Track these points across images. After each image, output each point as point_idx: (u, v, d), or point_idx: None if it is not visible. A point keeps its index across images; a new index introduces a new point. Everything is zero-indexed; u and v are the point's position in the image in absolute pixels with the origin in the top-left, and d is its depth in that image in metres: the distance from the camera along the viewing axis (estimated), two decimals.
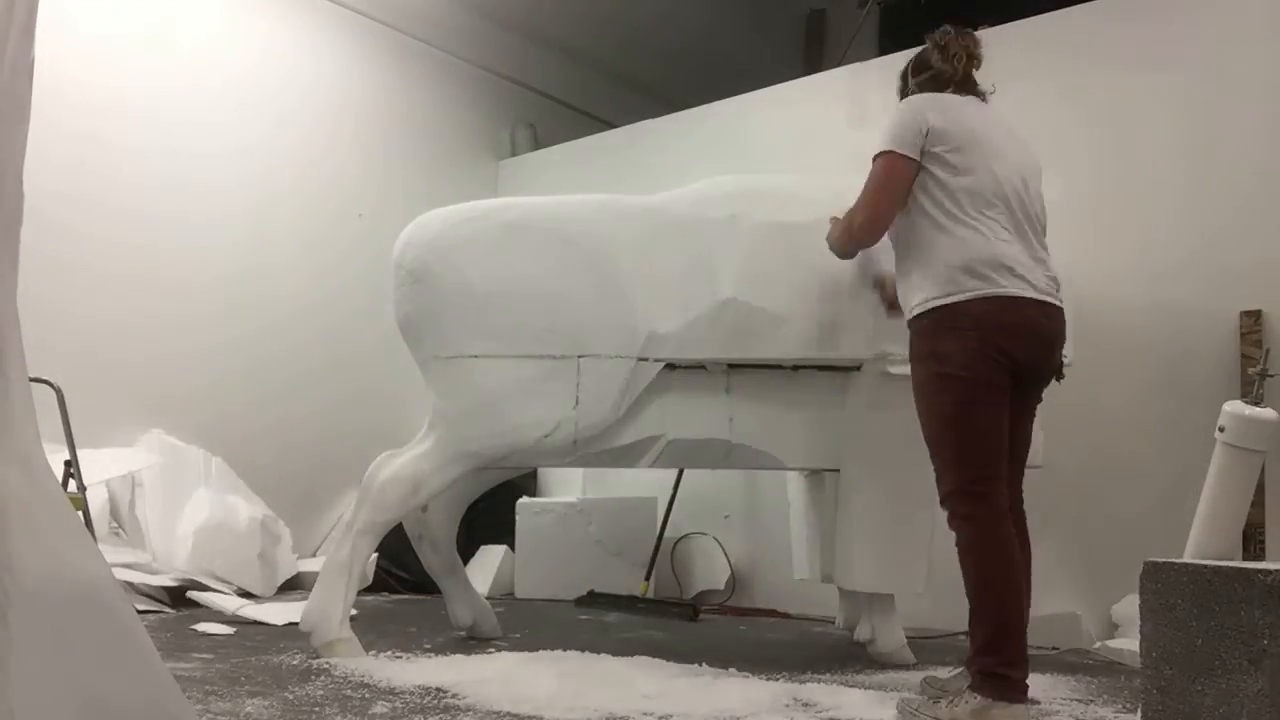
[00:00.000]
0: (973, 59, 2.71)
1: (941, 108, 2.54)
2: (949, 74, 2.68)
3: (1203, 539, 2.79)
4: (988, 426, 2.40)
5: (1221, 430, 2.83)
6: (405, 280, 3.18)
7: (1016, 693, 2.23)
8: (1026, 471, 3.54)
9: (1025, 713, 2.25)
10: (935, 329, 2.44)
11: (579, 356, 3.04)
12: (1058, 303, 2.49)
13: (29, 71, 1.20)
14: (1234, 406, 2.85)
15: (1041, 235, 2.57)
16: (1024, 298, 2.40)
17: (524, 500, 5.25)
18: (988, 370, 2.38)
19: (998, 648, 2.26)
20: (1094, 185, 3.97)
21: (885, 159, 2.52)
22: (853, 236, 2.65)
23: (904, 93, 2.77)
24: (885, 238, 2.65)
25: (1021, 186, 2.52)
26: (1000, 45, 4.57)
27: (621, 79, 7.05)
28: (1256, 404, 2.87)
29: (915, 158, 2.49)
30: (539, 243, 3.12)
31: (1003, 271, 2.40)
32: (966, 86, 2.67)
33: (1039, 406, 2.67)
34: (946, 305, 2.41)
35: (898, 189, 2.52)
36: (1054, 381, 2.60)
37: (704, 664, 2.96)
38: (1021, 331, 2.40)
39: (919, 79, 2.72)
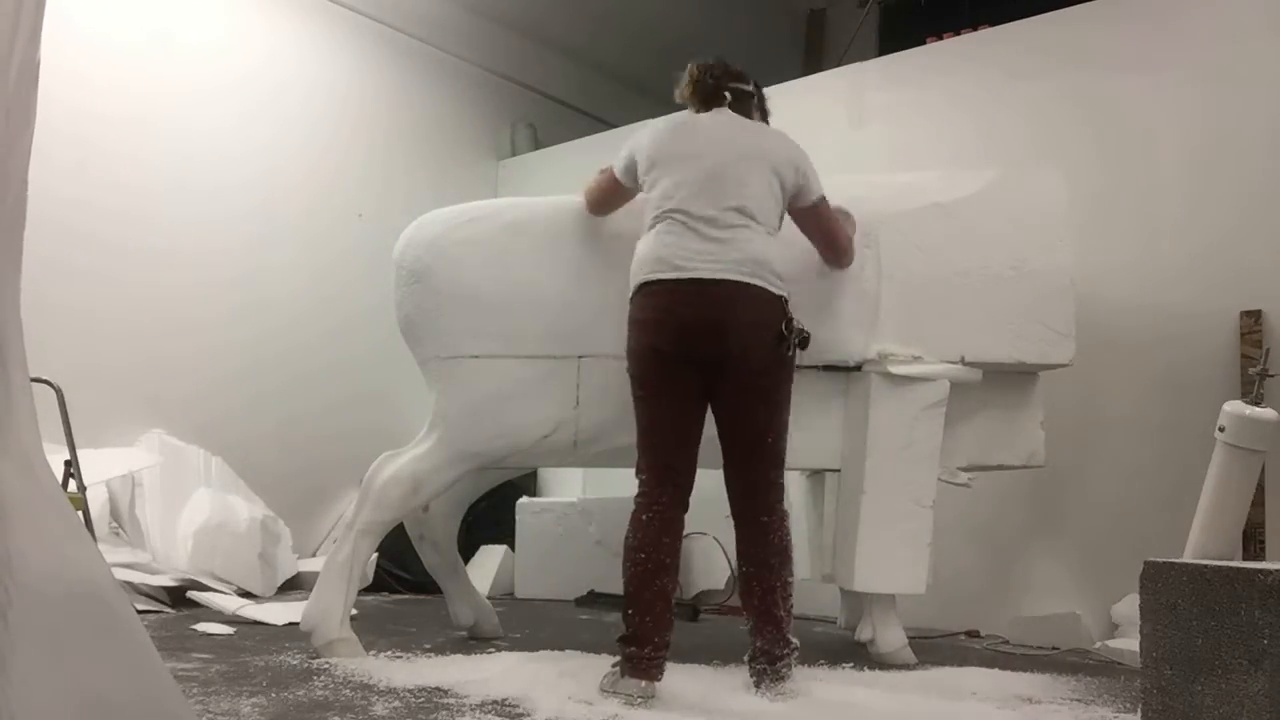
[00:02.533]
0: (694, 84, 2.94)
1: (654, 132, 2.84)
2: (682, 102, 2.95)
3: (1203, 539, 2.80)
4: (646, 421, 2.61)
5: (1221, 430, 2.83)
6: (406, 280, 3.18)
7: (633, 667, 2.46)
8: (1027, 471, 3.57)
9: (640, 686, 2.44)
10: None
11: (579, 357, 3.04)
12: (723, 277, 2.53)
13: (35, 73, 1.20)
14: (1234, 406, 2.86)
15: (729, 219, 2.60)
16: (664, 281, 2.56)
17: (524, 500, 5.25)
18: (640, 366, 2.61)
19: (625, 625, 2.52)
20: (1095, 186, 3.97)
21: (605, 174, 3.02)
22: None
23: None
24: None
25: (705, 179, 2.63)
26: (1001, 45, 4.60)
27: (621, 79, 7.05)
28: (1256, 404, 2.87)
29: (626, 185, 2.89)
30: (539, 243, 3.12)
31: (651, 265, 2.60)
32: (703, 105, 2.89)
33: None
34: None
35: (605, 201, 3.04)
36: (790, 351, 2.62)
37: (704, 664, 2.96)
38: (661, 323, 2.57)
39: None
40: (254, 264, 5.10)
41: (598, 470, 5.21)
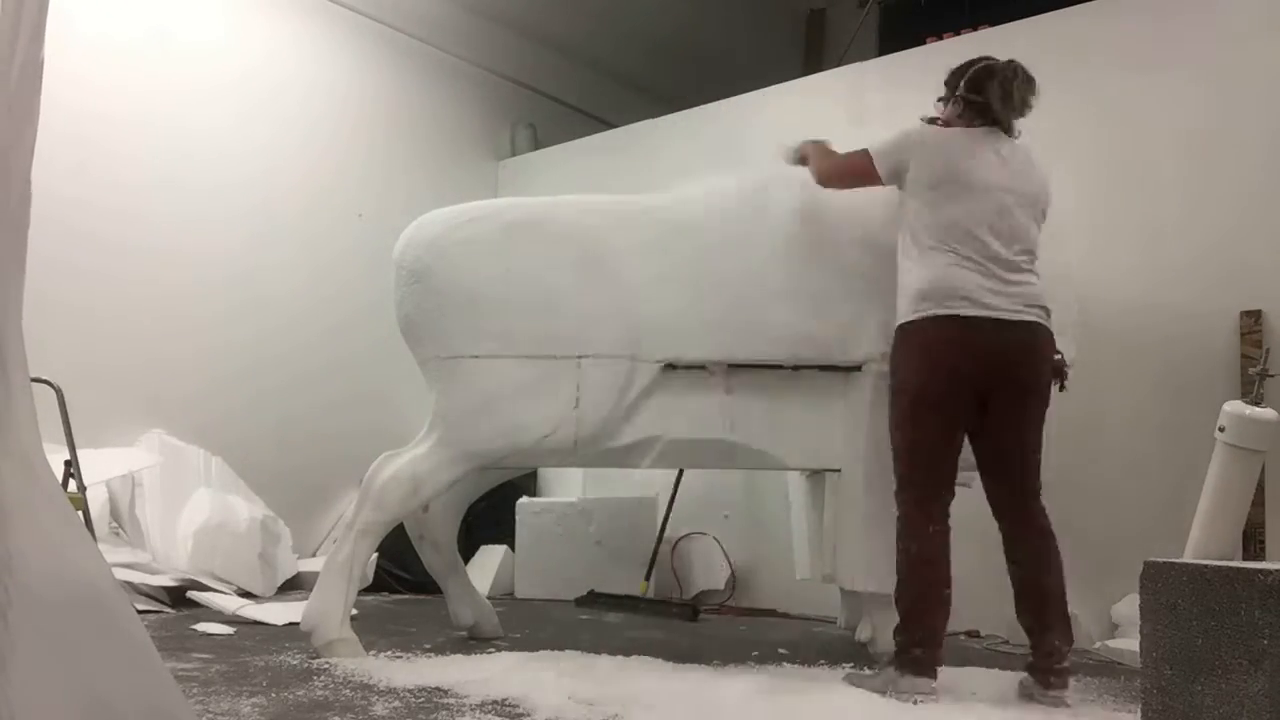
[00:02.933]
0: (1025, 107, 2.85)
1: (935, 144, 2.77)
2: (995, 115, 2.82)
3: (1203, 539, 2.80)
4: (926, 440, 2.69)
5: (1222, 430, 2.83)
6: (406, 280, 3.18)
7: (920, 668, 2.59)
8: None
9: (927, 685, 2.58)
10: (898, 346, 2.75)
11: (579, 357, 3.04)
12: (1025, 319, 2.66)
13: (38, 73, 1.20)
14: (1234, 406, 2.86)
15: (1021, 261, 2.73)
16: (976, 318, 2.62)
17: (524, 500, 5.25)
18: (933, 388, 2.65)
19: (906, 629, 2.64)
20: (1096, 186, 3.97)
21: (865, 160, 2.82)
22: (814, 176, 2.99)
23: (951, 90, 2.91)
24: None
25: (999, 218, 2.70)
26: (1001, 46, 4.56)
27: (621, 79, 7.05)
28: (1256, 404, 2.87)
29: (882, 179, 2.80)
30: (539, 243, 3.12)
31: (955, 298, 2.63)
32: (1000, 125, 2.82)
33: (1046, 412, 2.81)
34: (905, 325, 2.72)
35: (855, 182, 2.88)
36: (1057, 389, 2.77)
37: (704, 664, 2.96)
38: (969, 350, 2.64)
39: (969, 96, 2.84)
40: (254, 264, 5.10)
41: (598, 470, 5.22)
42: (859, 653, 3.26)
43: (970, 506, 3.84)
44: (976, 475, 3.34)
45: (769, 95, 5.20)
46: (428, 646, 3.24)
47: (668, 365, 3.13)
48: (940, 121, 2.89)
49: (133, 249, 4.61)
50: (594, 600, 4.67)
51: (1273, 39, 3.76)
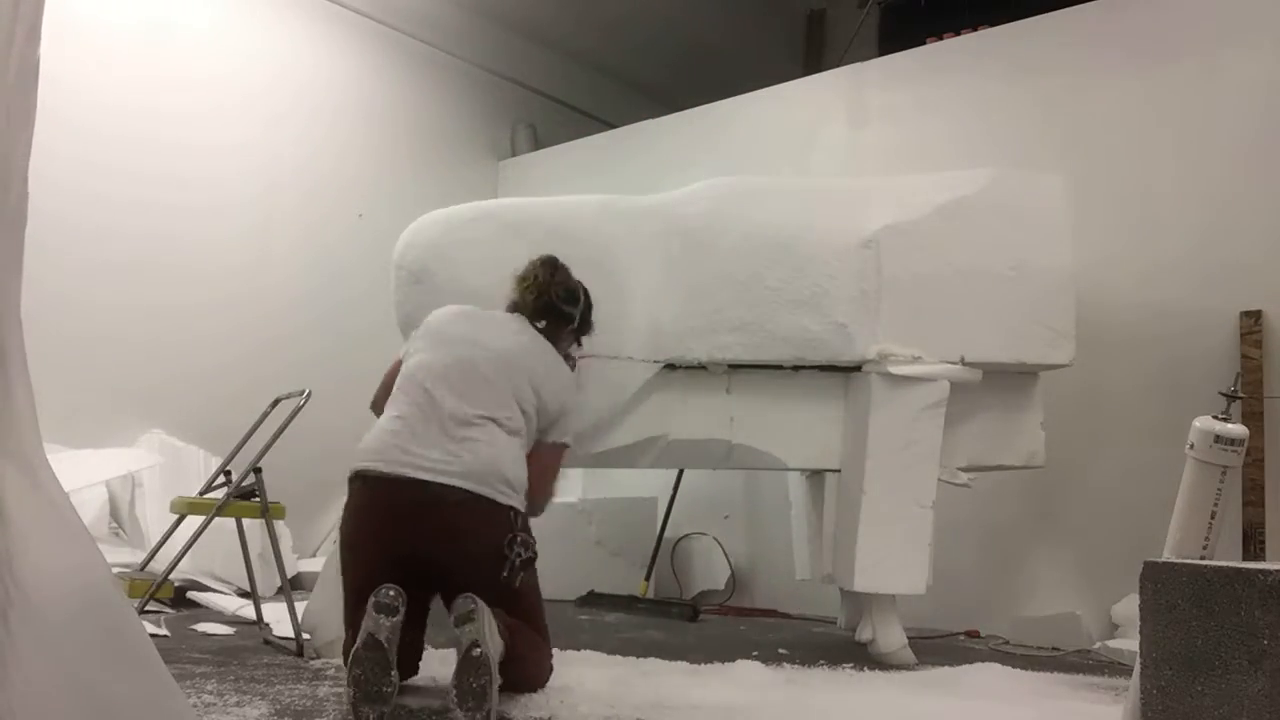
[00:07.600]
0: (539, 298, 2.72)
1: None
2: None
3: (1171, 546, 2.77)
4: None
5: (1191, 447, 2.80)
6: (406, 281, 3.18)
7: None
8: (1027, 471, 3.58)
9: None
10: None
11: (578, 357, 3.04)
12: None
13: (35, 71, 1.19)
14: (1203, 423, 2.81)
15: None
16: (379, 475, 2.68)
17: None
18: None
19: None
20: (1093, 186, 3.97)
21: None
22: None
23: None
24: None
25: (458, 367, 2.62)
26: (1001, 46, 4.60)
27: (621, 79, 7.05)
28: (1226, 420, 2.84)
29: None
30: (538, 243, 3.11)
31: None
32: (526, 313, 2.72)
33: None
34: None
35: None
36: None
37: (704, 663, 2.95)
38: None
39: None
40: (254, 263, 5.10)
41: (598, 470, 5.22)
42: (859, 653, 3.26)
43: (970, 506, 3.86)
44: (977, 476, 3.36)
45: (769, 95, 5.20)
46: (428, 646, 3.24)
47: (668, 365, 3.13)
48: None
49: (132, 249, 4.61)
50: (594, 600, 4.67)
51: (1268, 38, 3.76)
